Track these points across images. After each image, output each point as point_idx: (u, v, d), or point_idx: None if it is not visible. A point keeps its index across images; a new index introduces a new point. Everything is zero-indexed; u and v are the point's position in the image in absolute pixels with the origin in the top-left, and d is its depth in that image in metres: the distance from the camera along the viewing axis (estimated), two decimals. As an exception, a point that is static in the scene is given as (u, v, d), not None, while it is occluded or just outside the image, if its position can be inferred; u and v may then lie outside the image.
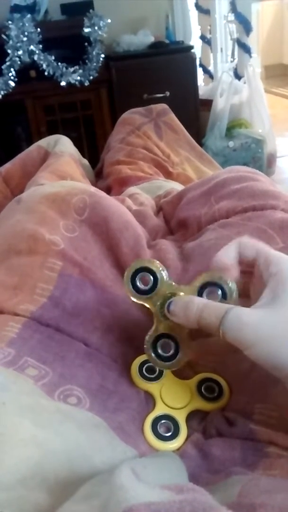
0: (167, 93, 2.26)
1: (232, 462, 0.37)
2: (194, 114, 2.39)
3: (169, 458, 0.36)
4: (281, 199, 0.56)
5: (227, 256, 0.40)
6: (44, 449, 0.32)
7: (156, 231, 0.65)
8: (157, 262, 0.41)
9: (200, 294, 0.39)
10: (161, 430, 0.40)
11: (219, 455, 0.38)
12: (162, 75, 2.28)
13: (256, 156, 2.30)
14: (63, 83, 2.12)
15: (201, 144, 2.13)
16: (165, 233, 0.65)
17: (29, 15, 2.05)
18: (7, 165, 0.94)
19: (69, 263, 0.49)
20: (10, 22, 1.99)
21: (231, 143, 2.28)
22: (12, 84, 2.06)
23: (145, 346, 0.40)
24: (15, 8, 2.13)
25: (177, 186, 0.85)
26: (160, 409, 0.41)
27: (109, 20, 2.11)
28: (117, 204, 0.57)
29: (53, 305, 0.45)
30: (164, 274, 0.40)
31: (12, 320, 0.43)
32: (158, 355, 0.40)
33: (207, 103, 2.40)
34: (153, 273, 0.40)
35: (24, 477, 0.30)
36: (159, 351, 0.40)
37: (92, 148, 2.24)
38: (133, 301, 0.40)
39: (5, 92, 2.06)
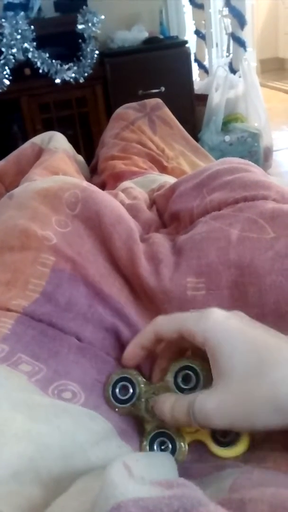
0: (162, 89, 2.26)
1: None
2: (190, 109, 2.38)
3: (162, 454, 0.36)
4: (272, 189, 0.55)
5: (130, 359, 0.42)
6: (37, 444, 0.32)
7: (149, 224, 0.64)
8: (131, 370, 0.43)
9: (176, 382, 0.40)
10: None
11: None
12: (157, 70, 2.27)
13: (253, 150, 2.29)
14: (57, 81, 2.11)
15: (197, 139, 2.13)
16: (158, 227, 0.65)
17: (22, 13, 2.04)
18: (1, 163, 0.94)
19: (62, 258, 0.49)
20: (3, 20, 1.99)
21: (227, 138, 2.28)
22: (7, 82, 2.06)
23: (142, 446, 0.40)
24: (8, 6, 2.13)
25: (171, 180, 0.85)
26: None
27: (102, 17, 2.11)
28: (110, 198, 0.57)
29: (46, 300, 0.45)
30: (140, 379, 0.42)
31: (4, 316, 0.43)
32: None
33: (203, 98, 2.40)
34: (129, 380, 0.42)
35: (18, 472, 0.30)
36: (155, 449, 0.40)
37: (88, 145, 2.23)
38: (119, 411, 0.41)
39: (0, 90, 2.06)
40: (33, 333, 0.42)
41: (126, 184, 0.85)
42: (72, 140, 1.07)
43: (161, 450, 0.39)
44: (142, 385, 0.42)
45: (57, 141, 0.96)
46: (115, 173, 0.95)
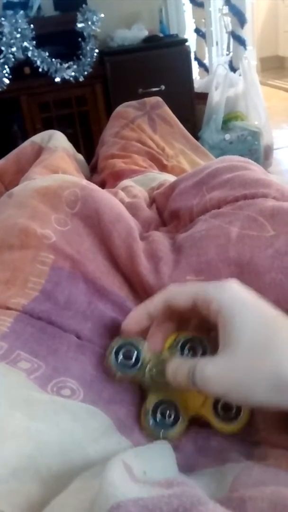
0: (162, 87, 2.25)
1: (228, 450, 0.38)
2: (190, 107, 2.38)
3: (161, 447, 0.36)
4: (272, 187, 0.55)
5: (133, 323, 0.42)
6: (37, 441, 0.32)
7: (149, 222, 0.64)
8: (135, 338, 0.42)
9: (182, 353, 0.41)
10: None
11: (216, 446, 0.39)
12: (157, 69, 2.27)
13: (253, 148, 2.29)
14: (57, 79, 2.11)
15: (197, 138, 2.13)
16: (158, 225, 0.65)
17: (22, 12, 2.04)
18: (1, 161, 0.94)
19: (61, 256, 0.49)
20: (3, 19, 1.98)
21: (227, 136, 2.27)
22: (7, 81, 2.05)
23: (142, 420, 0.40)
24: (8, 5, 2.13)
25: (170, 178, 0.85)
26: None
27: (102, 15, 2.11)
28: (109, 197, 0.57)
29: (45, 298, 0.45)
30: (145, 346, 0.41)
31: (4, 314, 0.43)
32: (159, 425, 0.40)
33: (203, 96, 2.40)
34: (134, 346, 0.42)
35: (17, 470, 0.30)
36: (158, 419, 0.40)
37: (88, 143, 2.23)
38: (120, 377, 0.41)
39: (0, 89, 2.06)
40: (32, 330, 0.42)
41: (126, 182, 0.85)
42: (72, 139, 1.07)
43: (162, 419, 0.39)
44: (147, 352, 0.41)
45: (57, 140, 0.96)
46: (115, 171, 0.94)
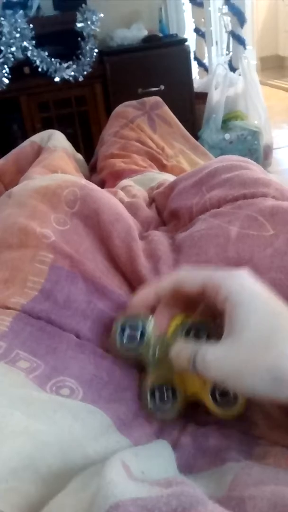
0: (162, 87, 2.25)
1: (228, 449, 0.38)
2: (190, 107, 2.38)
3: (160, 446, 0.36)
4: (271, 186, 0.55)
5: (140, 301, 0.42)
6: (36, 440, 0.32)
7: (148, 222, 0.64)
8: (143, 314, 0.42)
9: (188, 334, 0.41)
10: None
11: (215, 444, 0.39)
12: (156, 69, 2.27)
13: (253, 148, 2.29)
14: (57, 79, 2.11)
15: (197, 137, 2.13)
16: (157, 224, 0.65)
17: (21, 11, 2.04)
18: (0, 161, 0.94)
19: (60, 256, 0.49)
20: (2, 18, 1.98)
21: (227, 136, 2.27)
22: (6, 81, 2.05)
23: (142, 398, 0.41)
24: (7, 4, 2.12)
25: (170, 178, 0.84)
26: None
27: (101, 15, 2.10)
28: (108, 196, 0.57)
29: (44, 297, 0.45)
30: (151, 325, 0.42)
31: (3, 314, 0.43)
32: (157, 405, 0.41)
33: (203, 96, 2.40)
34: (139, 325, 0.42)
35: (16, 469, 0.30)
36: (156, 398, 0.41)
37: (87, 143, 2.23)
38: (122, 354, 0.42)
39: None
40: (31, 329, 0.42)
41: (125, 182, 0.85)
42: (71, 138, 1.07)
43: (160, 399, 0.40)
44: (152, 331, 0.42)
45: (56, 140, 0.96)
46: (114, 171, 0.94)
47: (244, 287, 0.37)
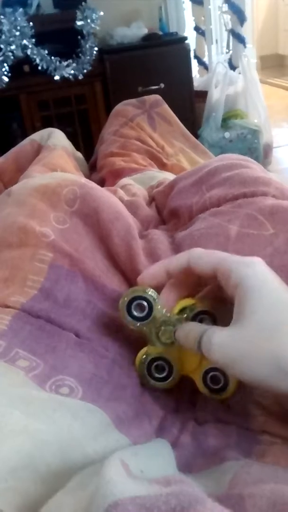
0: (162, 85, 2.25)
1: (227, 448, 0.38)
2: (189, 105, 2.38)
3: (160, 445, 0.36)
4: (271, 185, 0.55)
5: (149, 277, 0.42)
6: (35, 439, 0.32)
7: (148, 221, 0.64)
8: (151, 290, 0.42)
9: (194, 318, 0.42)
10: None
11: (214, 443, 0.39)
12: (156, 67, 2.27)
13: (253, 146, 2.29)
14: (57, 77, 2.11)
15: (196, 136, 2.13)
16: (157, 223, 0.65)
17: (21, 9, 2.03)
18: (0, 160, 0.94)
19: (60, 254, 0.49)
20: (2, 16, 1.98)
21: (227, 134, 2.27)
22: (6, 79, 2.05)
23: (138, 366, 0.43)
24: (7, 2, 2.12)
25: (170, 177, 0.84)
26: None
27: (101, 13, 2.10)
28: (108, 195, 0.56)
29: (44, 296, 0.45)
30: (158, 302, 0.42)
31: (2, 312, 0.43)
32: (152, 376, 0.43)
33: (203, 95, 2.39)
34: (147, 300, 0.42)
35: (15, 468, 0.30)
36: (154, 372, 0.43)
37: (87, 142, 2.23)
38: (129, 327, 0.43)
39: (-1, 87, 2.06)
40: (30, 328, 0.42)
41: (125, 181, 0.85)
42: (71, 137, 1.07)
43: (156, 373, 0.43)
44: (159, 309, 0.42)
45: (56, 138, 0.96)
46: (114, 170, 0.94)
47: (256, 276, 0.36)
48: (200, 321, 0.42)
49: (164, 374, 0.43)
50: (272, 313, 0.34)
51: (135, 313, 0.42)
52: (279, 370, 0.32)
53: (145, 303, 0.42)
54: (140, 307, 0.42)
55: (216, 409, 0.42)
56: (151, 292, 0.42)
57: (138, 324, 0.42)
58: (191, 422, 0.41)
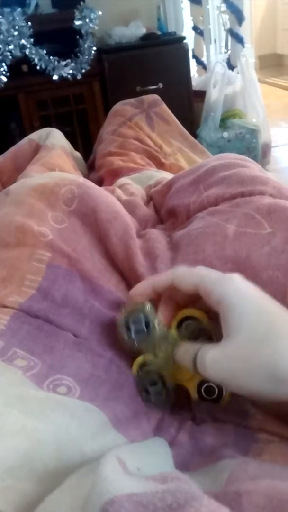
0: (160, 85, 2.25)
1: (224, 447, 0.38)
2: (188, 105, 2.38)
3: (157, 443, 0.36)
4: (269, 184, 0.55)
5: (138, 294, 0.43)
6: (33, 439, 0.32)
7: (146, 220, 0.64)
8: (149, 305, 0.43)
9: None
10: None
11: (211, 442, 0.39)
12: (155, 67, 2.26)
13: (251, 146, 2.29)
14: (55, 77, 2.10)
15: (195, 136, 2.13)
16: (155, 222, 0.65)
17: (19, 9, 2.02)
18: (-2, 159, 0.94)
19: (58, 254, 0.49)
20: (0, 16, 1.97)
21: (225, 134, 2.27)
22: (4, 79, 2.04)
23: (137, 378, 0.43)
24: (5, 2, 2.11)
25: (168, 176, 0.84)
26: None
27: (100, 12, 2.09)
28: (106, 194, 0.56)
29: (42, 296, 0.45)
30: (156, 320, 0.42)
31: (0, 312, 0.43)
32: (147, 390, 0.43)
33: (201, 94, 2.39)
34: (145, 316, 0.42)
35: (12, 467, 0.30)
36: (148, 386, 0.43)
37: (86, 141, 2.23)
38: (126, 345, 0.43)
39: (-2, 87, 2.05)
40: (28, 328, 0.42)
41: (123, 180, 0.85)
42: (70, 137, 1.07)
43: (152, 386, 0.42)
44: (156, 325, 0.42)
45: (54, 138, 0.96)
46: (112, 169, 0.94)
47: (236, 292, 0.37)
48: (197, 337, 0.42)
49: (159, 387, 0.42)
50: (257, 324, 0.35)
51: (135, 334, 0.43)
52: (274, 378, 0.33)
53: (141, 322, 0.42)
54: (138, 327, 0.43)
55: (213, 409, 0.42)
56: (145, 309, 0.43)
57: (136, 345, 0.43)
58: (189, 422, 0.41)
